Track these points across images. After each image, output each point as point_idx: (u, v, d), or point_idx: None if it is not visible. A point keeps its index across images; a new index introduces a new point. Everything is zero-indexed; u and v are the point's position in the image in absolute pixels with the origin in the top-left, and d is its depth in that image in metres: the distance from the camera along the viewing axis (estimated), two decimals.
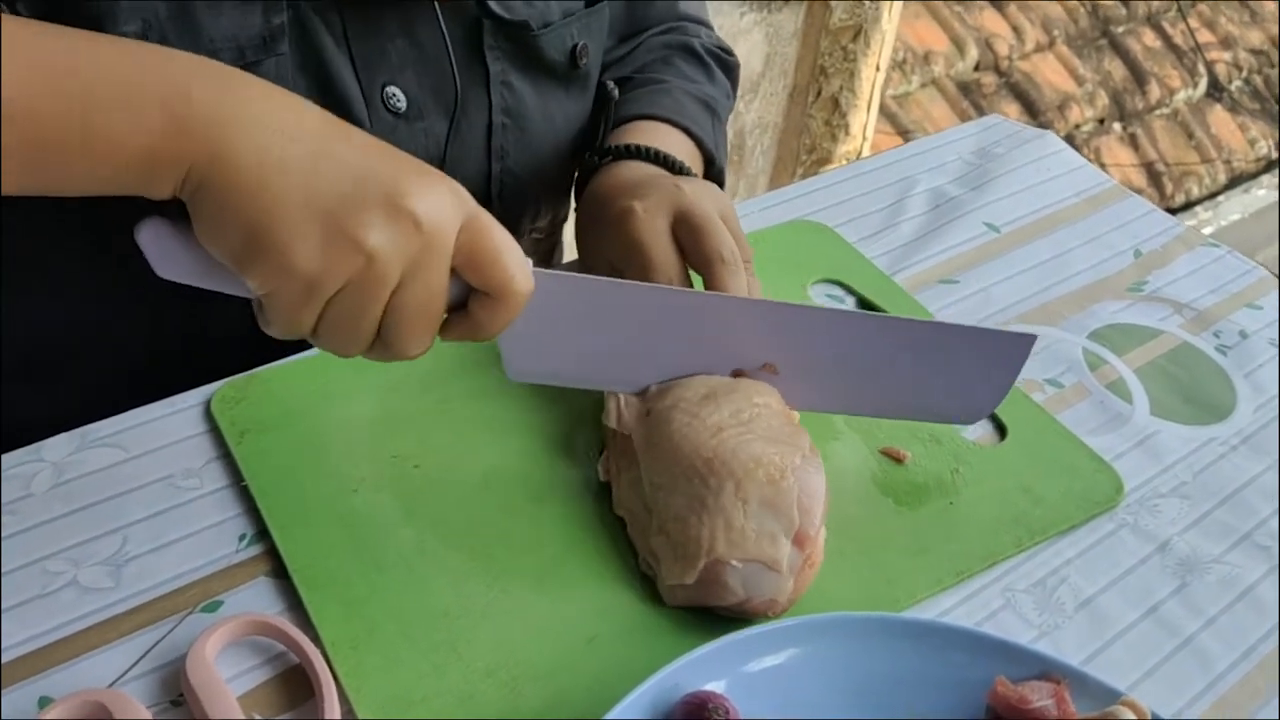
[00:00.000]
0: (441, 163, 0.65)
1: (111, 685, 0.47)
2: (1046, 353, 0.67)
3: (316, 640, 0.48)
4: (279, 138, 0.43)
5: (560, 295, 0.51)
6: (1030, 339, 0.55)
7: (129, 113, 0.42)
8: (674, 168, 0.65)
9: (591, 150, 0.68)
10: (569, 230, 0.72)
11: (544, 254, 0.82)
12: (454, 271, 0.46)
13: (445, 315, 0.47)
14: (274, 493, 0.54)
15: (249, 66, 0.56)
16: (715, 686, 0.45)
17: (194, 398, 0.59)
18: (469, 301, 0.47)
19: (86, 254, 0.59)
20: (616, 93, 0.67)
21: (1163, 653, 0.52)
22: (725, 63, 0.79)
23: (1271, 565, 0.56)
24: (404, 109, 0.62)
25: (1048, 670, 0.46)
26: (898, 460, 0.59)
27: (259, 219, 0.42)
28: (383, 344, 0.46)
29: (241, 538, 0.52)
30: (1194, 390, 0.66)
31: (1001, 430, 0.62)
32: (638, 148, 0.65)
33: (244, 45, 0.55)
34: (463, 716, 0.46)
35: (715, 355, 0.55)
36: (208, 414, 0.58)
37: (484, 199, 0.69)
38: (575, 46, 0.68)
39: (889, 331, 0.55)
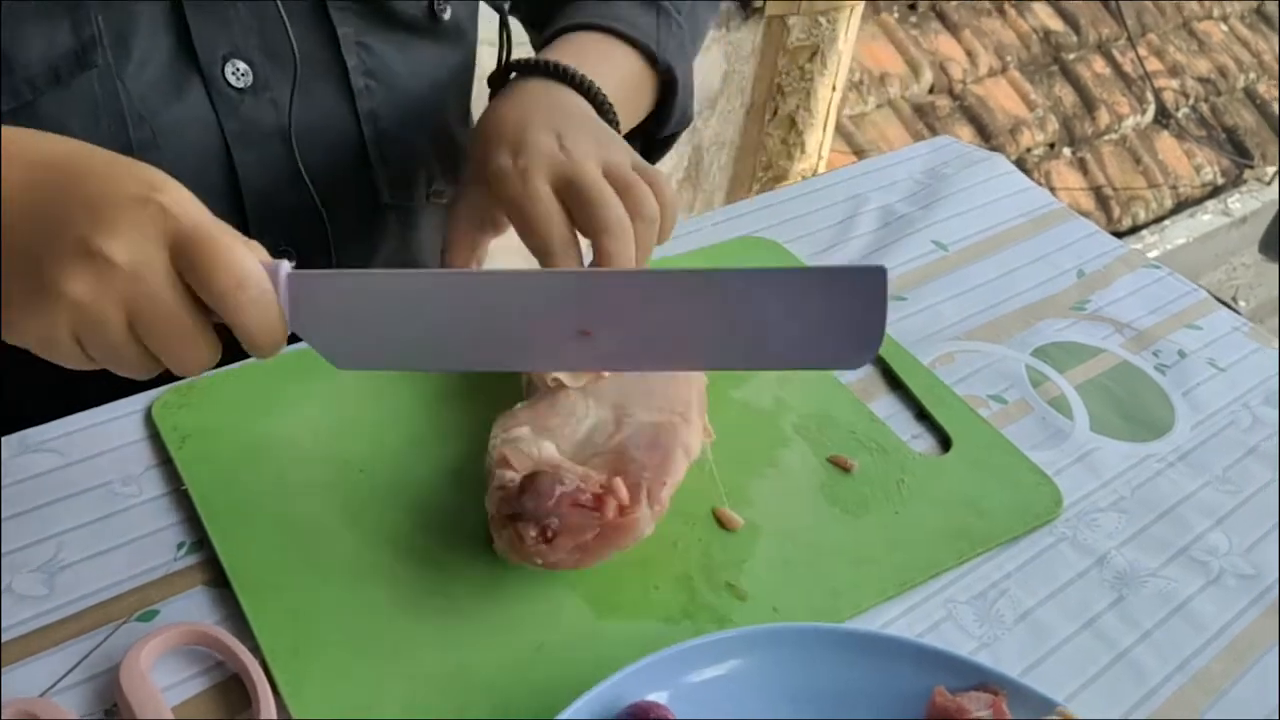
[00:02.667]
0: (289, 133, 0.62)
1: (44, 694, 0.46)
2: (991, 369, 0.68)
3: (255, 649, 0.47)
4: None
5: (338, 291, 0.48)
6: (880, 270, 0.47)
7: None
8: (574, 81, 0.59)
9: (494, 71, 0.63)
10: None
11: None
12: None
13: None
14: (215, 499, 0.53)
15: (67, 86, 0.54)
16: (658, 697, 0.45)
17: (135, 403, 0.58)
18: None
19: None
20: (506, 6, 0.64)
21: (1099, 665, 0.52)
22: None
23: (1207, 580, 0.57)
24: (249, 83, 0.60)
25: (986, 681, 0.47)
26: (845, 469, 0.59)
27: None
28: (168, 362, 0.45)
29: (180, 545, 0.52)
30: (1133, 408, 0.67)
31: (947, 443, 0.62)
32: (535, 62, 0.60)
33: (57, 65, 0.53)
34: None
35: (526, 330, 0.50)
36: (149, 419, 0.57)
37: (364, 166, 0.67)
38: (431, 1, 0.66)
39: (706, 286, 0.49)
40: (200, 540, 0.52)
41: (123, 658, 0.46)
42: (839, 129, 2.17)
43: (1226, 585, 0.57)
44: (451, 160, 0.74)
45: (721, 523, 0.56)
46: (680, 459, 0.53)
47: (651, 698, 0.45)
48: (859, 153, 2.31)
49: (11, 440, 0.55)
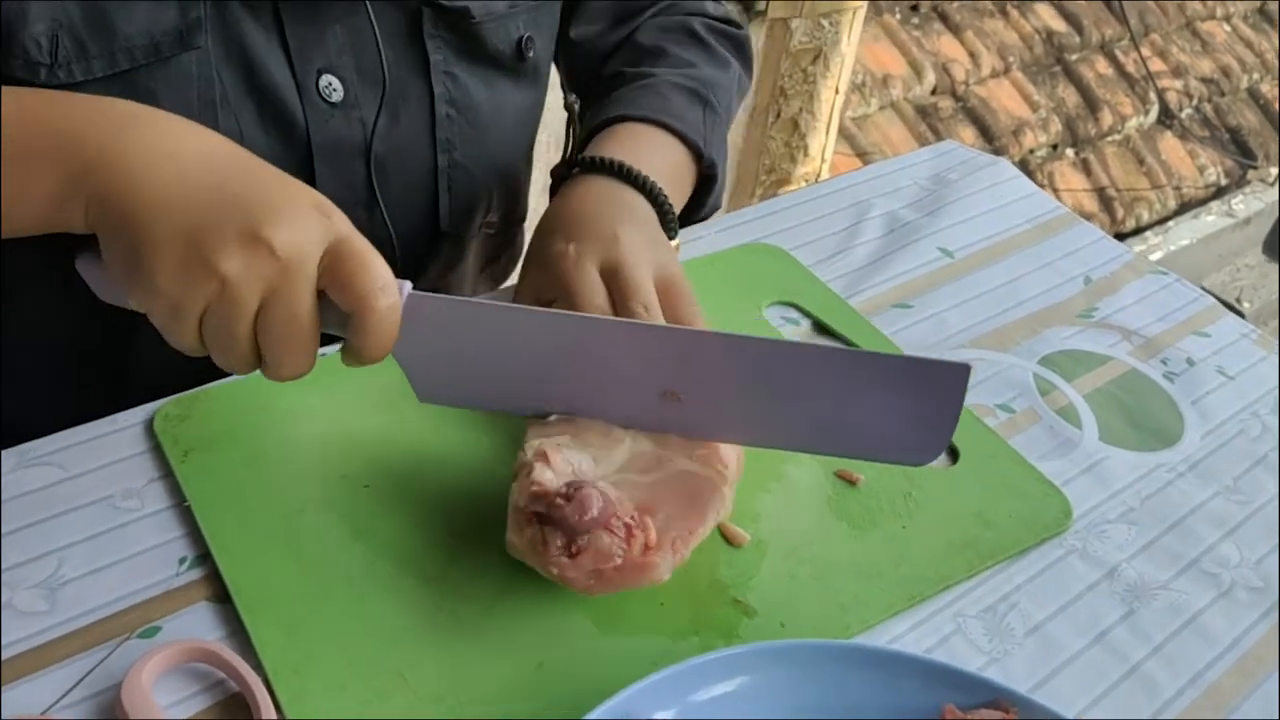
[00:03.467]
0: (369, 153, 0.64)
1: (44, 712, 0.45)
2: (998, 378, 0.68)
3: (258, 667, 0.47)
4: (158, 171, 0.46)
5: (445, 319, 0.51)
6: (966, 369, 0.49)
7: (39, 161, 0.47)
8: (638, 182, 0.62)
9: (559, 163, 0.66)
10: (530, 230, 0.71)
11: (496, 250, 0.80)
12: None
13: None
14: (217, 514, 0.53)
15: (165, 62, 0.55)
16: (664, 715, 0.44)
17: (136, 415, 0.57)
18: (347, 324, 0.48)
19: (39, 272, 0.58)
20: (577, 105, 0.67)
21: (1110, 680, 0.52)
22: (729, 36, 0.77)
23: (1218, 592, 0.57)
24: (340, 99, 0.62)
25: (997, 698, 0.46)
26: (851, 483, 0.59)
27: (131, 246, 0.46)
28: (264, 363, 0.48)
29: (182, 561, 0.51)
30: (1142, 417, 0.67)
31: (954, 454, 0.62)
32: (600, 160, 0.63)
33: (159, 41, 0.55)
34: None
35: (617, 380, 0.53)
36: (150, 432, 0.56)
37: (432, 192, 0.68)
38: (521, 39, 0.68)
39: (800, 360, 0.51)
40: (202, 555, 0.51)
41: (124, 675, 0.45)
42: (841, 131, 2.17)
43: (1237, 598, 0.56)
44: (509, 195, 0.75)
45: (728, 538, 0.55)
46: (711, 519, 0.51)
47: (658, 716, 0.44)
48: (862, 155, 2.30)
49: (11, 454, 0.54)
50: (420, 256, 0.71)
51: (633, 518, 0.48)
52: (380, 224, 0.67)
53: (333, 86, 0.61)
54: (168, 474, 0.55)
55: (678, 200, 0.67)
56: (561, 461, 0.50)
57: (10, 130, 0.47)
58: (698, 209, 0.72)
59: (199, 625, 0.49)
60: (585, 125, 0.67)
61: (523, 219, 0.79)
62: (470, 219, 0.72)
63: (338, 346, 0.49)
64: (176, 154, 0.47)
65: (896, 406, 0.51)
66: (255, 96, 0.59)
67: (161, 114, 0.49)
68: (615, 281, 0.56)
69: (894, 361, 0.53)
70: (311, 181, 0.62)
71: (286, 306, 0.46)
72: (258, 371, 0.59)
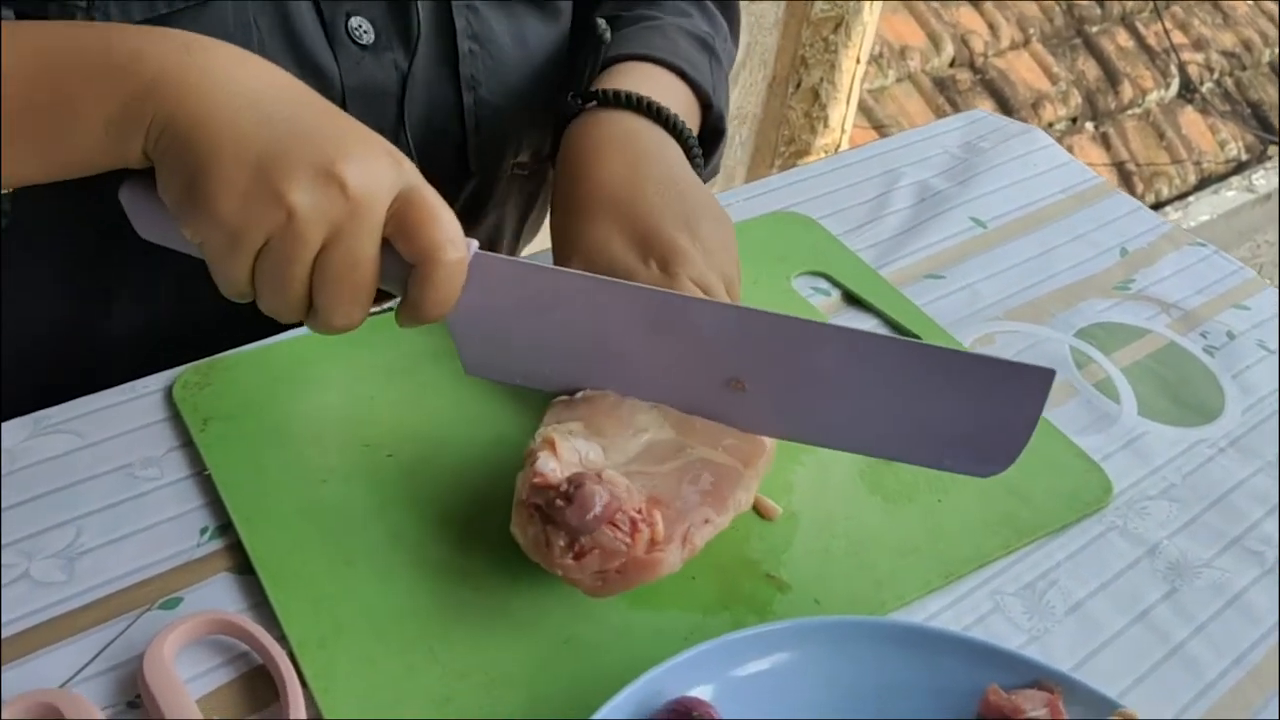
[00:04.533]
0: (402, 95, 0.62)
1: (64, 685, 0.44)
2: (1034, 350, 0.66)
3: (282, 639, 0.46)
4: (226, 98, 0.44)
5: (511, 282, 0.49)
6: (1050, 374, 0.46)
7: (92, 84, 0.44)
8: (665, 121, 0.59)
9: (573, 92, 0.62)
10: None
11: (529, 193, 0.77)
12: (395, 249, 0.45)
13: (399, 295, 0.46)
14: (238, 483, 0.52)
15: (204, 6, 0.54)
16: (701, 692, 0.43)
17: (155, 383, 0.56)
18: (408, 279, 0.46)
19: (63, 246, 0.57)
20: (608, 34, 0.61)
21: (1153, 659, 0.51)
22: (724, 1, 0.74)
23: (1262, 571, 0.55)
24: (371, 41, 0.60)
25: (1040, 678, 0.45)
26: None
27: (194, 170, 0.43)
28: (314, 310, 0.46)
29: (203, 531, 0.50)
30: (1182, 391, 0.65)
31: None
32: (624, 95, 0.59)
33: None
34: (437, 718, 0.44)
35: (683, 364, 0.50)
36: (169, 400, 0.55)
37: (459, 131, 0.66)
38: None
39: (875, 352, 0.48)
40: (224, 525, 0.50)
41: (145, 648, 0.44)
42: (859, 103, 2.14)
43: None
44: (539, 134, 0.72)
45: (760, 511, 0.54)
46: (730, 512, 0.49)
47: (694, 692, 0.43)
48: (879, 128, 2.27)
49: (27, 421, 0.53)
50: (450, 200, 0.69)
51: (639, 511, 0.46)
52: None
53: (363, 28, 0.59)
54: (187, 442, 0.53)
55: None
56: (568, 450, 0.48)
57: (61, 55, 0.45)
58: (700, 168, 0.67)
59: (221, 597, 0.48)
60: (588, 45, 0.62)
61: (552, 155, 0.77)
62: (500, 159, 0.69)
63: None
64: (246, 81, 0.45)
65: (972, 409, 0.48)
66: (290, 42, 0.57)
67: (225, 44, 0.46)
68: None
69: (972, 360, 0.49)
70: None
71: (350, 249, 0.44)
72: (278, 338, 0.59)
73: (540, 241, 0.82)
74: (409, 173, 0.46)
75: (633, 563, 0.45)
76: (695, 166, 0.61)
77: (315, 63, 0.59)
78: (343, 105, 0.60)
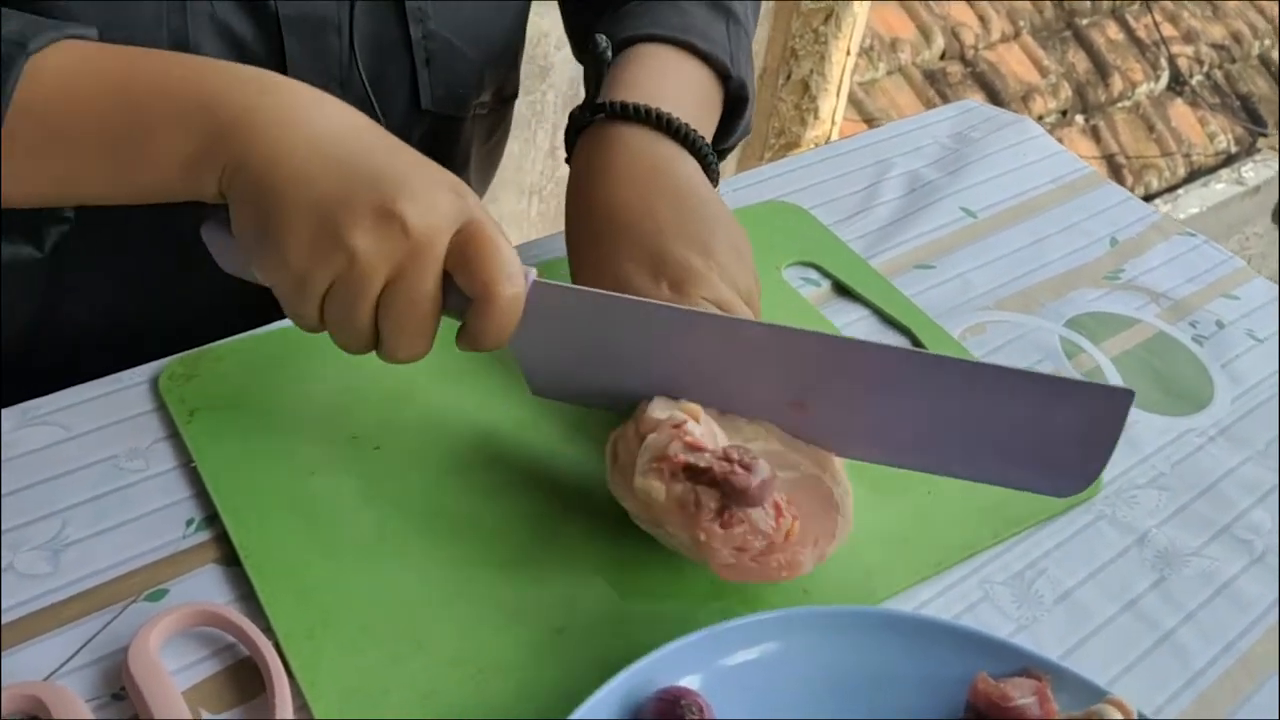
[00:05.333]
0: (351, 32, 0.61)
1: (48, 677, 0.44)
2: (1024, 340, 0.66)
3: (268, 631, 0.45)
4: (295, 141, 0.45)
5: (570, 309, 0.49)
6: (1128, 395, 0.45)
7: (172, 120, 0.46)
8: (676, 132, 0.57)
9: (579, 106, 0.61)
10: (524, 156, 0.66)
11: (487, 131, 0.76)
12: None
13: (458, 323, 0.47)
14: (225, 475, 0.51)
15: None
16: (689, 681, 0.43)
17: (140, 374, 0.56)
18: (467, 309, 0.46)
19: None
20: (609, 52, 0.59)
21: (1142, 648, 0.51)
22: None
23: (1251, 559, 0.55)
24: None
25: (1029, 666, 0.45)
26: None
27: (264, 215, 0.45)
28: (381, 344, 0.47)
29: (189, 522, 0.50)
30: (1171, 380, 0.65)
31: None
32: (632, 107, 0.57)
33: None
34: (424, 710, 0.44)
35: (745, 386, 0.50)
36: (155, 392, 0.55)
37: (409, 69, 0.64)
38: None
39: (942, 374, 0.47)
40: (211, 517, 0.50)
41: (131, 639, 0.44)
42: (849, 96, 2.14)
43: (1270, 564, 0.55)
44: (502, 73, 0.71)
45: None
46: (842, 529, 0.48)
47: (683, 682, 0.43)
48: (869, 120, 2.27)
49: (13, 412, 0.53)
50: (407, 136, 0.68)
51: (787, 499, 0.45)
52: (361, 103, 0.62)
53: None
54: (174, 434, 0.53)
55: (710, 129, 0.62)
56: (707, 426, 0.47)
57: (147, 90, 0.47)
58: (728, 135, 0.66)
59: (208, 588, 0.47)
60: (591, 60, 0.61)
61: (514, 96, 0.75)
62: (461, 98, 0.68)
63: None
64: (314, 124, 0.46)
65: (1046, 432, 0.47)
66: None
67: (299, 84, 0.48)
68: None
69: (1046, 382, 0.47)
70: (282, 58, 0.59)
71: (412, 287, 0.45)
72: (265, 329, 0.58)
73: (498, 176, 0.81)
74: (471, 206, 0.46)
75: (774, 548, 0.45)
76: (710, 175, 0.59)
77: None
78: (279, 36, 0.59)
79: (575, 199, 0.58)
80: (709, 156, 0.59)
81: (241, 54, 0.57)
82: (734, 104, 0.65)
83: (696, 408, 0.48)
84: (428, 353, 0.48)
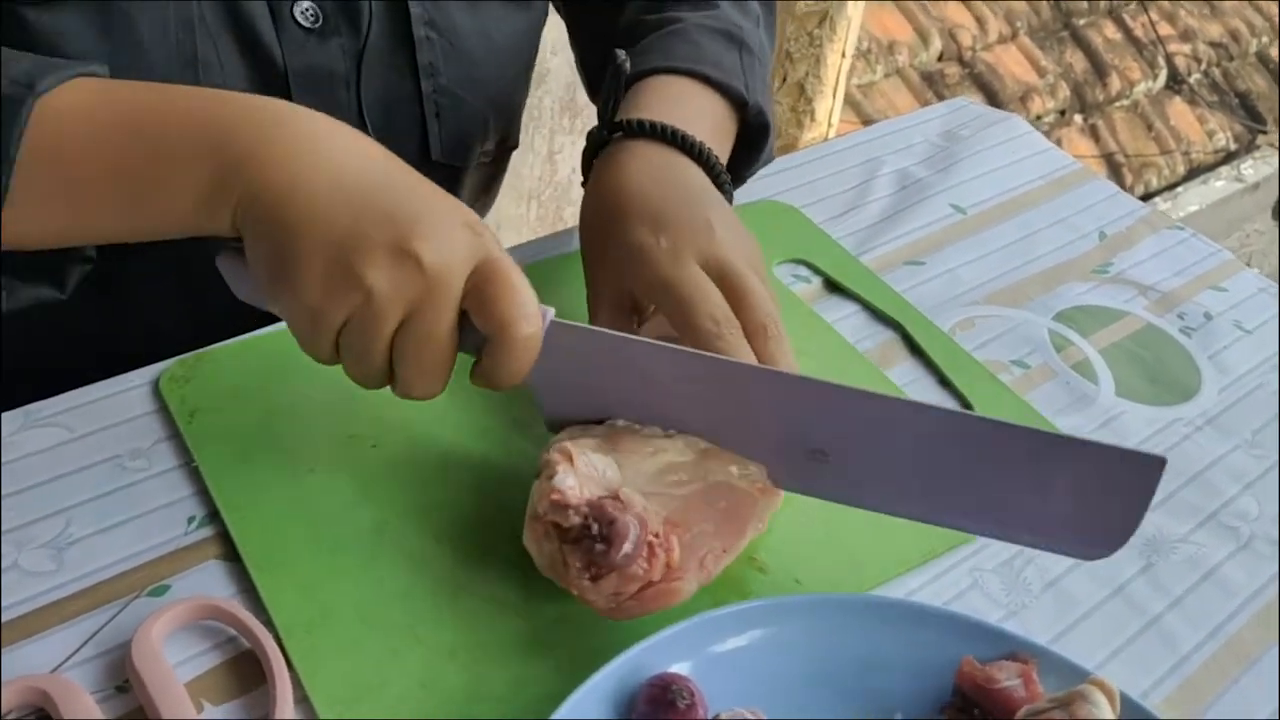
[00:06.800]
0: (357, 81, 0.62)
1: (54, 671, 0.45)
2: (1013, 334, 0.67)
3: (269, 624, 0.46)
4: (310, 175, 0.45)
5: (586, 348, 0.49)
6: (1160, 462, 0.45)
7: (185, 157, 0.46)
8: (691, 148, 0.58)
9: (600, 124, 0.61)
10: (522, 162, 0.67)
11: (488, 179, 0.77)
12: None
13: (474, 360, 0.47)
14: (225, 474, 0.52)
15: None
16: (680, 668, 0.44)
17: (142, 376, 0.57)
18: (483, 347, 0.46)
19: None
20: (628, 64, 0.59)
21: (1129, 633, 0.51)
22: None
23: (1237, 545, 0.56)
24: (318, 25, 0.60)
25: (1015, 650, 0.46)
26: None
27: (278, 251, 0.45)
28: (396, 380, 0.47)
29: (191, 520, 0.51)
30: (1159, 371, 0.66)
31: (968, 409, 0.61)
32: (649, 124, 0.58)
33: None
34: (423, 700, 0.45)
35: (760, 433, 0.50)
36: (156, 393, 0.56)
37: (419, 121, 0.66)
38: None
39: (968, 432, 0.47)
40: (212, 514, 0.51)
41: (134, 633, 0.45)
42: (847, 98, 2.15)
43: (1257, 551, 0.56)
44: (506, 124, 0.72)
45: None
46: (747, 539, 0.48)
47: (674, 669, 0.44)
48: (868, 122, 2.28)
49: (17, 415, 0.54)
50: None
51: (656, 536, 0.45)
52: None
53: (310, 13, 0.59)
54: (175, 434, 0.54)
55: (724, 156, 0.62)
56: (585, 464, 0.47)
57: (159, 126, 0.47)
58: (750, 162, 0.67)
59: (209, 583, 0.48)
60: (610, 74, 0.61)
61: (515, 146, 0.76)
62: (467, 149, 0.69)
63: None
64: (330, 159, 0.46)
65: (1074, 495, 0.46)
66: (231, 20, 0.58)
67: (318, 115, 0.48)
68: (724, 284, 0.52)
69: (1075, 445, 0.47)
70: None
71: (427, 325, 0.45)
72: (263, 330, 0.59)
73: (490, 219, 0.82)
74: (488, 243, 0.46)
75: (650, 589, 0.45)
76: (724, 192, 0.60)
77: (257, 43, 0.58)
78: (287, 88, 0.60)
79: (591, 202, 0.59)
80: (722, 175, 0.59)
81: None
82: (755, 133, 0.65)
83: (569, 447, 0.47)
84: (443, 390, 0.47)
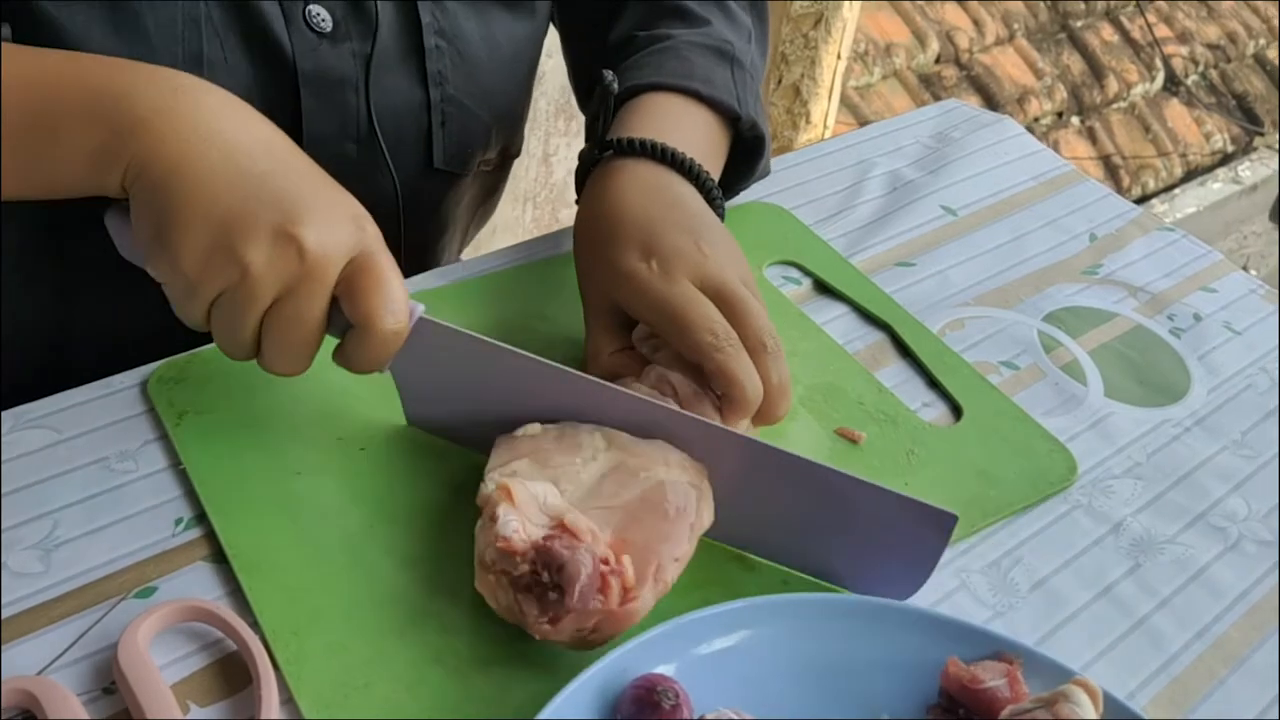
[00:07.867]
0: (366, 86, 0.62)
1: (40, 672, 0.45)
2: (1003, 335, 0.67)
3: (255, 626, 0.46)
4: (202, 148, 0.46)
5: (452, 350, 0.50)
6: (952, 519, 0.48)
7: (79, 116, 0.47)
8: (681, 165, 0.58)
9: (590, 143, 0.62)
10: (518, 164, 0.68)
11: (490, 187, 0.77)
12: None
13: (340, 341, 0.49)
14: (213, 476, 0.52)
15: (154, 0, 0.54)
16: (665, 669, 0.44)
17: (131, 378, 0.57)
18: (346, 332, 0.48)
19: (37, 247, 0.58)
20: (616, 85, 0.60)
21: (1116, 633, 0.51)
22: None
23: (1225, 546, 0.56)
24: (329, 29, 0.60)
25: (1001, 650, 0.46)
26: (853, 441, 0.58)
27: (162, 217, 0.46)
28: (261, 355, 0.49)
29: (178, 522, 0.51)
30: (1148, 373, 0.66)
31: (957, 411, 0.61)
32: (639, 142, 0.58)
33: None
34: (408, 703, 0.45)
35: None
36: (145, 395, 0.56)
37: (425, 129, 0.66)
38: None
39: (779, 465, 0.49)
40: (199, 516, 0.51)
41: (121, 635, 0.45)
42: (844, 101, 2.15)
43: (1245, 551, 0.56)
44: (508, 134, 0.73)
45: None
46: (697, 536, 0.48)
47: (659, 670, 0.44)
48: (864, 124, 2.29)
49: (5, 416, 0.54)
50: (417, 192, 0.69)
51: (606, 563, 0.44)
52: (376, 159, 0.64)
53: (321, 17, 0.60)
54: (163, 436, 0.54)
55: (717, 172, 0.63)
56: (525, 498, 0.46)
57: (56, 86, 0.47)
58: (747, 175, 0.67)
59: (196, 585, 0.48)
60: (599, 95, 0.61)
61: (517, 154, 0.76)
62: (470, 156, 0.70)
63: None
64: (225, 134, 0.47)
65: (880, 539, 0.49)
66: (241, 21, 0.58)
67: (217, 90, 0.49)
68: (718, 303, 0.53)
69: (879, 495, 0.49)
70: (297, 113, 0.61)
71: (298, 307, 0.46)
72: None
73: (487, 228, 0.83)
74: (370, 237, 0.47)
75: (608, 618, 0.44)
76: (716, 209, 0.60)
77: (269, 45, 0.59)
78: (296, 90, 0.60)
79: (584, 222, 0.59)
80: (713, 191, 0.60)
81: (256, 107, 0.57)
82: (750, 146, 0.66)
83: (507, 484, 0.47)
84: (306, 369, 0.49)
